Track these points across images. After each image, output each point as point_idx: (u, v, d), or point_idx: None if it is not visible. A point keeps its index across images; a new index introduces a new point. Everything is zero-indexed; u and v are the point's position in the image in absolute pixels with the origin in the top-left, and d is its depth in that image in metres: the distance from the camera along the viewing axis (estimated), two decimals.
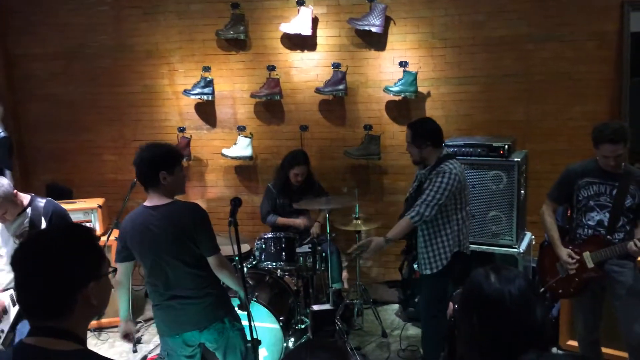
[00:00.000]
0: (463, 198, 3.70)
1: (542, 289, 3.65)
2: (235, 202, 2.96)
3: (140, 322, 5.14)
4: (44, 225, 3.48)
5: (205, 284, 3.05)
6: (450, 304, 1.94)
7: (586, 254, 3.42)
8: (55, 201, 3.71)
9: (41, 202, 3.56)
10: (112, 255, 4.90)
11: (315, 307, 3.26)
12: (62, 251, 1.49)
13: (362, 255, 3.71)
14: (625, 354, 3.71)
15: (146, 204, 3.04)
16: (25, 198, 3.55)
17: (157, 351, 4.56)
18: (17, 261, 1.51)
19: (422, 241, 3.72)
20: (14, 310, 3.44)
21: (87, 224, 4.89)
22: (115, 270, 1.66)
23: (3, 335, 3.42)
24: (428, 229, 3.69)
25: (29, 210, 3.50)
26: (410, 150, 3.76)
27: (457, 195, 3.63)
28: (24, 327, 3.27)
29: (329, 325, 3.68)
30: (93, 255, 1.55)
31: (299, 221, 4.87)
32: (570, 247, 3.50)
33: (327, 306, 3.20)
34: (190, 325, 3.06)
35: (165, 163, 2.99)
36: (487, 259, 4.36)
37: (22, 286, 1.50)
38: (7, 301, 3.45)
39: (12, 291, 3.41)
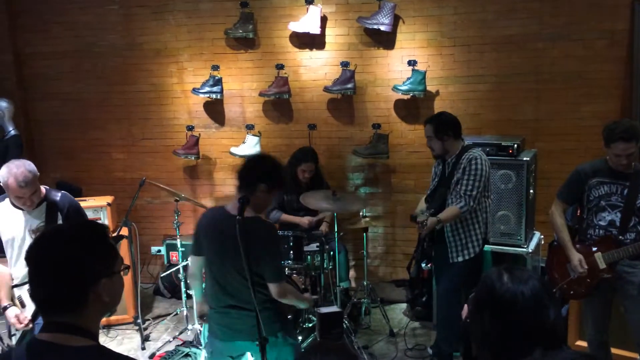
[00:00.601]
0: (489, 185, 3.82)
1: (554, 290, 3.63)
2: (243, 201, 2.95)
3: (148, 319, 5.16)
4: (60, 219, 3.48)
5: (264, 299, 2.99)
6: (465, 306, 1.93)
7: (598, 255, 3.39)
8: (70, 195, 3.71)
9: (57, 195, 3.55)
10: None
11: (323, 310, 3.22)
12: (74, 248, 1.51)
13: (422, 230, 3.64)
14: (635, 355, 3.69)
15: (228, 208, 3.02)
16: (42, 190, 3.54)
17: (166, 348, 4.58)
18: (31, 256, 1.53)
19: (453, 229, 3.77)
20: (33, 306, 3.44)
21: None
22: (128, 267, 1.67)
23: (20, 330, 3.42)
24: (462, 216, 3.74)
25: (44, 203, 3.50)
26: (432, 145, 3.83)
27: (486, 182, 3.74)
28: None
29: (337, 327, 3.65)
30: (105, 253, 1.57)
31: (305, 220, 4.84)
32: (581, 247, 3.48)
33: (334, 308, 3.15)
34: (244, 335, 2.99)
35: (272, 178, 3.00)
36: (496, 258, 4.35)
37: (36, 281, 1.52)
38: (25, 295, 3.46)
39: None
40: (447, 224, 3.76)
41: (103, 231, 1.60)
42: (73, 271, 1.49)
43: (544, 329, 1.54)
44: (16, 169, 3.27)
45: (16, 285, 3.51)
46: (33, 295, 1.53)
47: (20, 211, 3.45)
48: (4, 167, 3.29)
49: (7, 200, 3.46)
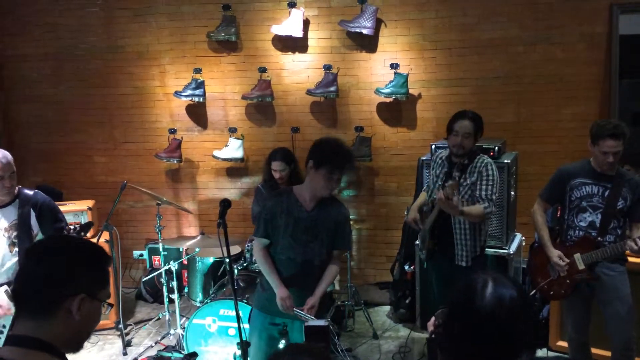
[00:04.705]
0: None
1: (533, 291, 3.66)
2: (224, 204, 2.94)
3: (130, 324, 5.11)
4: (33, 217, 3.44)
5: None
6: (433, 318, 1.89)
7: (577, 256, 3.43)
8: (43, 193, 3.66)
9: (30, 192, 3.51)
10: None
11: (310, 322, 3.17)
12: (76, 253, 1.57)
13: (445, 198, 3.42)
14: None
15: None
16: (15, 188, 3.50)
17: (148, 354, 4.54)
18: (34, 248, 1.61)
19: (461, 232, 3.64)
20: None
21: (77, 226, 4.85)
22: (111, 305, 1.68)
23: (5, 331, 3.37)
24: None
25: (17, 201, 3.46)
26: (465, 142, 3.60)
27: None
28: None
29: (322, 342, 3.56)
30: (98, 275, 1.59)
31: None
32: (561, 248, 3.51)
33: (321, 322, 3.06)
34: None
35: (316, 155, 3.19)
36: None
37: (23, 270, 1.56)
38: (3, 297, 3.40)
39: (6, 287, 3.36)
40: (460, 227, 3.63)
41: (106, 259, 1.63)
42: (60, 270, 1.51)
43: (529, 332, 1.54)
44: None
45: None
46: (15, 289, 1.57)
47: None
48: None
49: None
